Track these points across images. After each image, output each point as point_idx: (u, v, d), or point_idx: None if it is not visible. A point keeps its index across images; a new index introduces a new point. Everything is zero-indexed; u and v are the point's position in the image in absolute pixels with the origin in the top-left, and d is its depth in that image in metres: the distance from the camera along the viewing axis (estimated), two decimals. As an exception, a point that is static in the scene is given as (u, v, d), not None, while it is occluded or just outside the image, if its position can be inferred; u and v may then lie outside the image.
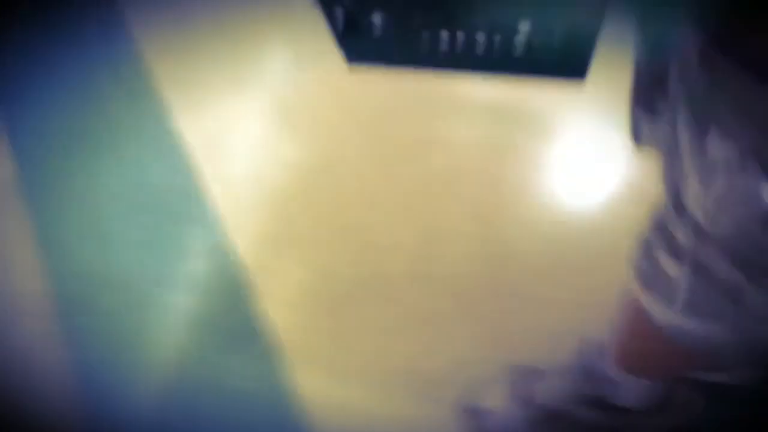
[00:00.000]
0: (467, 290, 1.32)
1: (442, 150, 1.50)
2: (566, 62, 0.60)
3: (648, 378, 0.96)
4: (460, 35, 0.58)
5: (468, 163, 1.47)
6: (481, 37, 0.58)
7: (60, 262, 1.46)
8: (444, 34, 0.58)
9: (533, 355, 1.19)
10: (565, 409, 1.07)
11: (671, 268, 0.64)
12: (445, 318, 1.30)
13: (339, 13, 0.57)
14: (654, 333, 0.74)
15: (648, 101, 0.64)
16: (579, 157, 1.46)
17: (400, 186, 1.46)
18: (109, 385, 1.31)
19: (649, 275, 0.69)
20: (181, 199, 1.52)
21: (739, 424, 1.07)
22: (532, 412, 1.09)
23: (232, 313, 1.38)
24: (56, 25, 1.73)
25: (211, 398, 1.28)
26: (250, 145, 1.59)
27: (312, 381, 1.27)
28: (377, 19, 0.57)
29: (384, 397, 1.23)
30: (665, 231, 0.63)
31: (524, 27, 0.57)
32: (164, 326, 1.37)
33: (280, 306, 1.36)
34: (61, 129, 1.62)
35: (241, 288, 1.39)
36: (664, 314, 0.69)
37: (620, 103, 1.45)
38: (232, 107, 1.63)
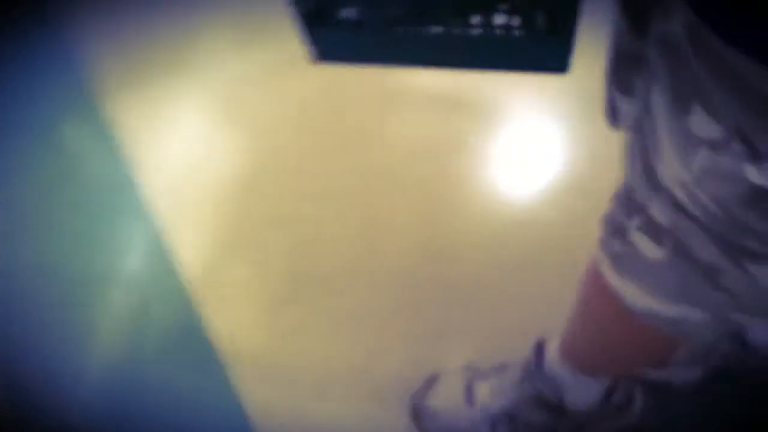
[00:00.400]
0: (413, 286, 1.30)
1: (385, 143, 1.47)
2: (546, 54, 0.57)
3: (601, 374, 0.95)
4: (436, 28, 0.54)
5: (412, 156, 1.44)
6: (456, 30, 0.55)
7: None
8: (418, 28, 0.54)
9: (483, 353, 1.18)
10: (516, 410, 1.05)
11: (649, 249, 0.62)
12: (391, 315, 1.27)
13: (308, 3, 0.53)
14: (621, 319, 0.72)
15: (624, 80, 0.62)
16: (525, 149, 1.45)
17: (343, 180, 1.42)
18: (45, 380, 1.25)
19: (623, 257, 0.67)
20: (119, 194, 1.45)
21: (687, 423, 1.08)
22: (483, 413, 1.08)
23: (171, 311, 1.33)
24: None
25: (151, 398, 1.22)
26: (190, 139, 1.52)
27: (254, 382, 1.22)
28: (350, 11, 0.53)
29: (330, 398, 1.19)
30: (640, 211, 0.61)
31: (501, 18, 0.54)
32: (101, 324, 1.30)
33: (220, 303, 1.31)
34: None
35: (180, 285, 1.34)
36: (638, 298, 0.68)
37: (567, 93, 1.47)
38: (171, 101, 1.56)
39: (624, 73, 0.61)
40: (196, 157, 1.49)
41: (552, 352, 0.97)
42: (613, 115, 0.67)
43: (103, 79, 1.58)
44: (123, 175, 1.46)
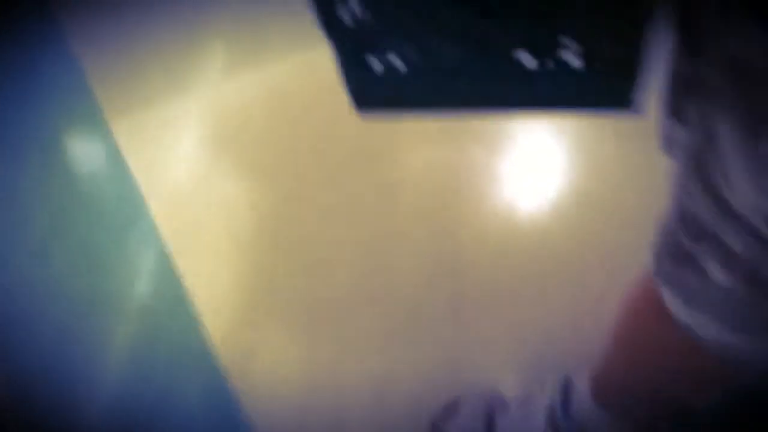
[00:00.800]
0: (422, 308, 1.27)
1: (391, 162, 1.44)
2: (611, 90, 0.53)
3: (636, 411, 0.92)
4: (491, 68, 0.50)
5: (419, 175, 1.41)
6: (512, 69, 0.51)
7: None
8: (472, 68, 0.50)
9: (497, 379, 1.16)
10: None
11: (722, 277, 0.60)
12: (400, 339, 1.24)
13: (352, 43, 0.49)
14: (679, 349, 0.70)
15: (681, 107, 0.60)
16: (532, 168, 1.42)
17: (348, 199, 1.39)
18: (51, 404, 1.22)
19: (689, 286, 0.65)
20: (120, 211, 1.41)
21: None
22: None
23: (171, 332, 1.30)
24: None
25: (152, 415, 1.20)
26: (190, 157, 1.48)
27: (266, 409, 1.19)
28: (397, 53, 0.49)
29: (345, 428, 1.16)
30: (711, 238, 0.59)
31: (563, 53, 0.50)
32: (110, 349, 1.27)
33: (224, 328, 1.28)
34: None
35: (181, 304, 1.31)
36: (705, 327, 0.65)
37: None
38: (171, 119, 1.52)
39: (681, 100, 0.59)
40: (200, 177, 1.46)
41: (581, 391, 0.94)
42: (668, 145, 0.64)
43: (111, 99, 1.55)
44: (124, 193, 1.43)
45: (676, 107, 0.60)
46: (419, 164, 1.43)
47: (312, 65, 1.39)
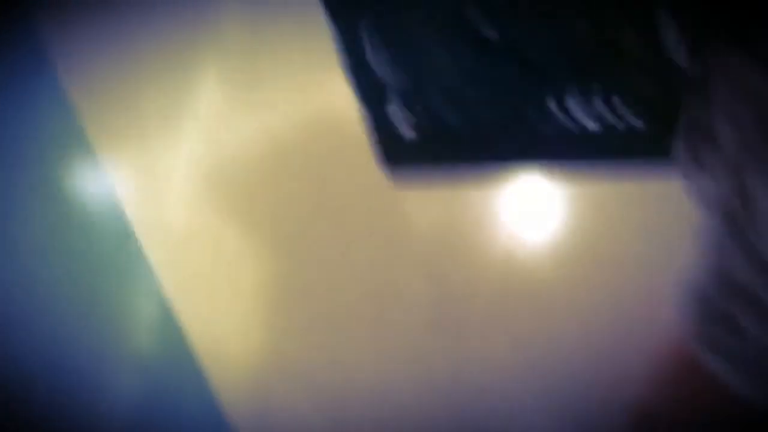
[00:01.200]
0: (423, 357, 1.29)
1: (395, 211, 1.45)
2: (648, 141, 0.52)
3: None
4: (527, 123, 0.51)
5: (425, 224, 1.43)
6: (549, 124, 0.51)
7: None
8: (514, 121, 0.50)
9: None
10: None
11: (761, 335, 0.59)
12: (404, 386, 1.26)
13: (383, 98, 0.48)
14: (717, 405, 0.69)
15: (707, 159, 0.58)
16: (529, 208, 1.44)
17: (349, 248, 1.40)
18: None
19: (729, 345, 0.63)
20: (113, 249, 1.41)
21: None
22: None
23: (176, 383, 1.30)
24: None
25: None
26: (187, 201, 1.48)
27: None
28: (437, 106, 0.48)
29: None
30: (749, 296, 0.58)
31: (607, 105, 0.51)
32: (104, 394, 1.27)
33: (227, 380, 1.29)
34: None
35: (184, 351, 1.31)
36: (748, 389, 0.64)
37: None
38: (166, 162, 1.51)
39: (709, 152, 0.58)
40: (198, 216, 1.45)
41: None
42: (698, 199, 0.63)
43: (103, 140, 1.53)
44: (118, 230, 1.42)
45: (705, 159, 0.59)
46: (425, 214, 1.44)
47: (315, 108, 1.39)
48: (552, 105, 0.51)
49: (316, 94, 1.35)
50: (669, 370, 0.80)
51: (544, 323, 1.27)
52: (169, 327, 1.33)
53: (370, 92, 0.50)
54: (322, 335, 1.32)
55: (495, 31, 0.48)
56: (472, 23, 0.49)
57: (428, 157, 0.53)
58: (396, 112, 0.51)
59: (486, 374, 1.26)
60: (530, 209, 1.44)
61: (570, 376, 1.20)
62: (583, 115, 0.52)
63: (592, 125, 0.52)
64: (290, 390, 1.29)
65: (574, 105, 0.51)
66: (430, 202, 1.40)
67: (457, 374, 1.27)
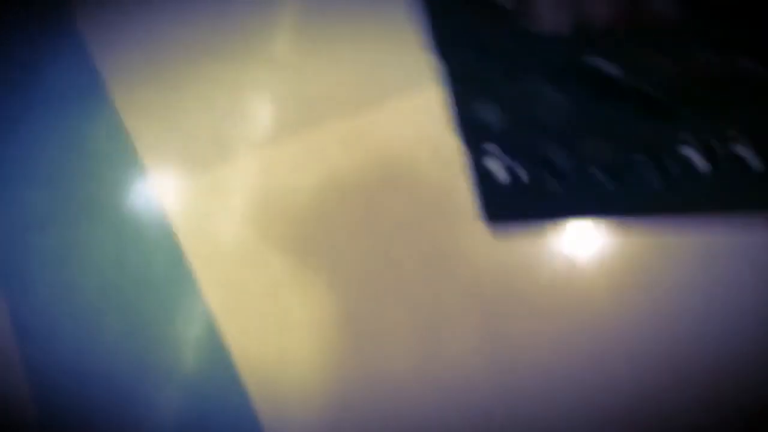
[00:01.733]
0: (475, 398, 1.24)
1: (444, 236, 1.43)
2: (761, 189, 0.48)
3: None
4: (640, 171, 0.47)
5: (472, 248, 1.40)
6: (662, 174, 0.46)
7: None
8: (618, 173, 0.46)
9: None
10: None
11: None
12: (456, 418, 1.23)
13: (492, 150, 0.46)
14: None
15: None
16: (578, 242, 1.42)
17: (400, 276, 1.38)
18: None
19: None
20: (163, 268, 1.41)
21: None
22: None
23: (219, 403, 1.28)
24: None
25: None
26: (237, 218, 1.48)
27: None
28: (549, 157, 0.45)
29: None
30: None
31: (734, 151, 0.46)
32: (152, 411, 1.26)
33: (271, 402, 1.27)
34: (35, 199, 1.48)
35: (228, 372, 1.29)
36: None
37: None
38: (218, 186, 1.52)
39: None
40: (247, 242, 1.45)
41: None
42: None
43: (157, 164, 1.55)
44: (168, 257, 1.43)
45: None
46: (473, 238, 1.41)
47: (366, 134, 1.39)
48: (681, 150, 0.46)
49: (373, 131, 1.36)
50: None
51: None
52: (215, 346, 1.32)
53: (473, 136, 0.47)
54: (368, 362, 1.29)
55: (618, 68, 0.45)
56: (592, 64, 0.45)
57: (538, 213, 0.49)
58: (498, 160, 0.47)
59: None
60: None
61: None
62: (719, 159, 0.47)
63: (710, 168, 0.47)
64: (333, 416, 1.26)
65: (707, 149, 0.46)
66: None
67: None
